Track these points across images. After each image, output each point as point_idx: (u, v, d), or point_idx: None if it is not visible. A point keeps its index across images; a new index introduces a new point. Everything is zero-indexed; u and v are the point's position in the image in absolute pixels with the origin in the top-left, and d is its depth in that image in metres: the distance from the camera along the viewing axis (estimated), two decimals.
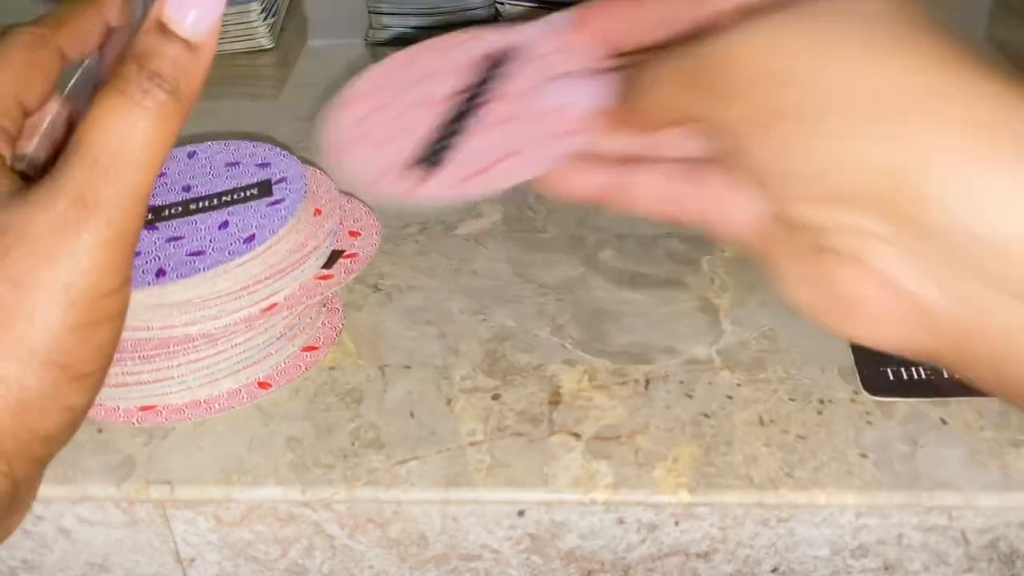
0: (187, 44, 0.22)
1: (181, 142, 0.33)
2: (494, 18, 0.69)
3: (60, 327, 0.21)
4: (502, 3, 0.68)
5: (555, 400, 0.34)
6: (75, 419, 0.23)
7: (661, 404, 0.34)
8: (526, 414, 0.33)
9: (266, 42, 0.70)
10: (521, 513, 0.31)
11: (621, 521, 0.31)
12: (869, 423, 0.33)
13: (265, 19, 0.69)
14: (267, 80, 0.66)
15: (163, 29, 0.21)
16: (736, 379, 0.35)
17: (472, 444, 0.32)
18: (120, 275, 0.21)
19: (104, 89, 0.21)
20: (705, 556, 0.32)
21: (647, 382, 0.35)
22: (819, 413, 0.33)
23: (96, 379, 0.23)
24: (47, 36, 0.23)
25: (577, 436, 0.32)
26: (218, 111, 0.60)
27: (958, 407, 0.33)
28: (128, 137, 0.21)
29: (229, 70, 0.67)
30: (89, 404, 0.23)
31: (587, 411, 0.33)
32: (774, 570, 0.32)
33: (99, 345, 0.22)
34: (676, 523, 0.31)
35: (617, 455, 0.31)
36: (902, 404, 0.33)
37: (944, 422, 0.33)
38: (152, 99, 0.21)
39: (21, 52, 0.23)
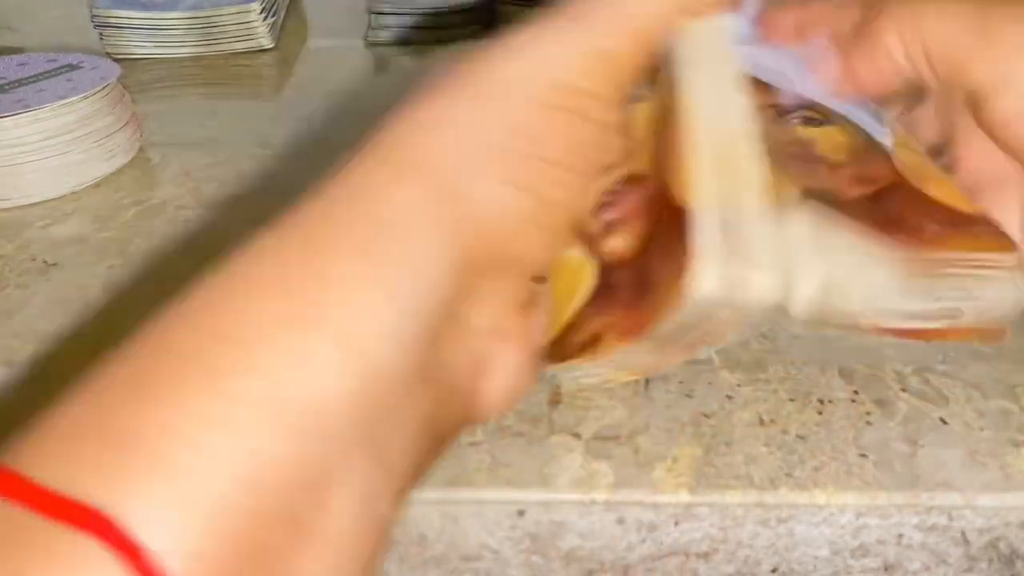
0: None
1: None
2: (492, 18, 0.69)
3: (522, 98, 0.22)
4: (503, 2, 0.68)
5: (555, 400, 0.34)
6: (533, 206, 0.22)
7: (661, 404, 0.34)
8: (526, 414, 0.33)
9: (266, 42, 0.70)
10: (521, 513, 0.31)
11: (621, 521, 0.31)
12: (869, 423, 0.33)
13: (265, 19, 0.69)
14: (267, 80, 0.66)
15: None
16: (736, 379, 0.35)
17: (472, 444, 0.32)
18: (592, 80, 0.23)
19: None
20: (705, 556, 0.32)
21: (647, 382, 0.35)
22: (819, 413, 0.33)
23: (565, 169, 0.23)
24: None
25: (577, 436, 0.32)
26: (218, 111, 0.60)
27: (958, 407, 0.33)
28: None
29: (229, 70, 0.67)
30: (559, 201, 0.23)
31: (587, 411, 0.33)
32: (774, 570, 0.32)
33: (566, 133, 0.23)
34: (676, 523, 0.31)
35: (617, 455, 0.31)
36: (902, 404, 0.33)
37: (944, 422, 0.33)
38: None
39: None
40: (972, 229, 0.29)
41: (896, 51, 0.27)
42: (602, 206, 0.28)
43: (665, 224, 0.26)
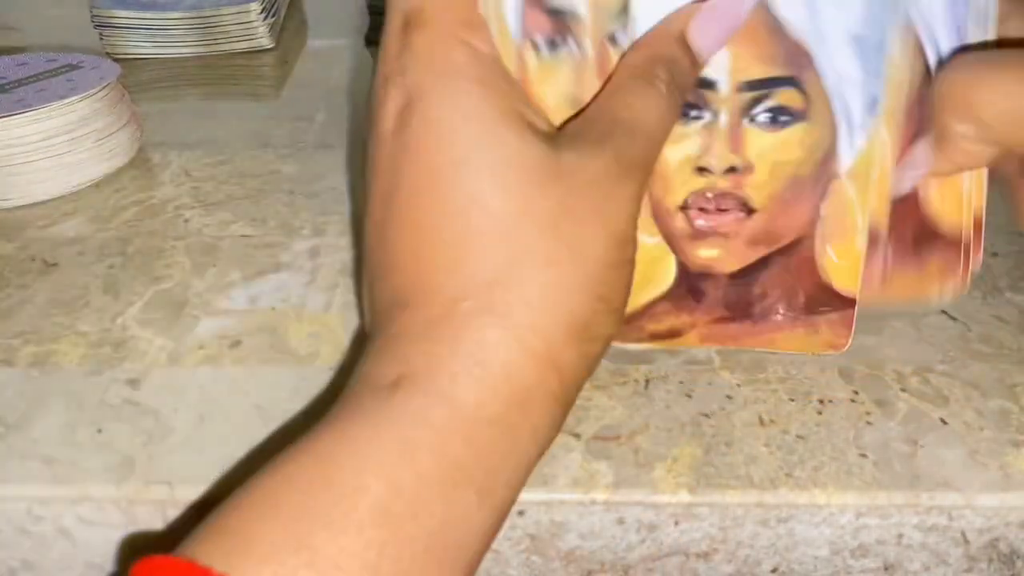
0: (695, 60, 0.27)
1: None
2: None
3: (604, 263, 0.25)
4: None
5: None
6: (600, 351, 0.27)
7: (661, 404, 0.34)
8: None
9: (266, 42, 0.70)
10: (521, 513, 0.31)
11: (621, 521, 0.31)
12: (869, 423, 0.33)
13: (265, 19, 0.69)
14: (267, 80, 0.66)
15: (683, 42, 0.27)
16: (736, 379, 0.35)
17: None
18: (636, 225, 0.26)
19: (629, 75, 0.27)
20: (705, 556, 0.32)
21: (647, 382, 0.35)
22: (819, 413, 0.33)
23: (620, 314, 0.26)
24: None
25: (577, 436, 0.32)
26: (218, 111, 0.60)
27: (958, 407, 0.33)
28: (649, 115, 0.26)
29: (229, 70, 0.67)
30: (611, 337, 0.27)
31: (587, 411, 0.33)
32: (774, 570, 0.32)
33: (625, 284, 0.26)
34: (676, 523, 0.31)
35: (617, 455, 0.31)
36: (902, 404, 0.33)
37: (944, 422, 0.33)
38: (667, 93, 0.26)
39: None
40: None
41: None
42: (690, 208, 0.30)
43: (793, 275, 0.30)
